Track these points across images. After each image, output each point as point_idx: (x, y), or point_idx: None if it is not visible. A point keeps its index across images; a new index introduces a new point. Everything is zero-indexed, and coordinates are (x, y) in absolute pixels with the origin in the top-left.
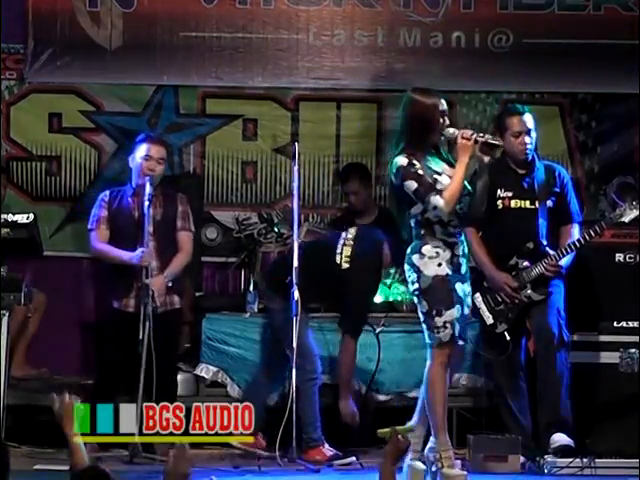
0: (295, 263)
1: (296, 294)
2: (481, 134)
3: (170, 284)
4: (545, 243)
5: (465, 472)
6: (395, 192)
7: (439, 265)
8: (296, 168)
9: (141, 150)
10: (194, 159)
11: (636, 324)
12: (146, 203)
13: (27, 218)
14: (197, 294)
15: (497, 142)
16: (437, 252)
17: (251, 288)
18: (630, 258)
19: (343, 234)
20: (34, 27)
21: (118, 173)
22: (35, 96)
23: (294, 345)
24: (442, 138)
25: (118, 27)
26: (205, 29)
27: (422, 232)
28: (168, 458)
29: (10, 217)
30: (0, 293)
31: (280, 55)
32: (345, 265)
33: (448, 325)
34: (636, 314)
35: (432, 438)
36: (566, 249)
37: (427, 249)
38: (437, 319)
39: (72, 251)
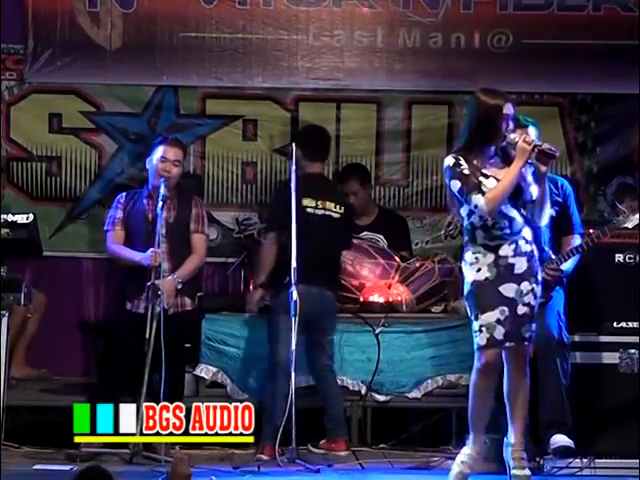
0: (294, 264)
1: (295, 294)
2: (540, 142)
3: (180, 286)
4: (547, 250)
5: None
6: (449, 193)
7: (478, 270)
8: (293, 168)
9: (158, 152)
10: (194, 159)
11: (636, 325)
12: (159, 204)
13: (27, 218)
14: (197, 294)
15: (554, 152)
16: (476, 258)
17: (251, 288)
18: (630, 259)
19: (310, 210)
20: (34, 27)
21: (118, 174)
22: (35, 96)
23: (293, 346)
24: (505, 142)
25: (118, 28)
26: (205, 30)
27: (467, 238)
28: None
29: (10, 217)
30: (0, 293)
31: (280, 56)
32: (340, 211)
33: (484, 329)
34: (636, 315)
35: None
36: (568, 254)
37: (468, 255)
38: (475, 323)
39: (72, 251)
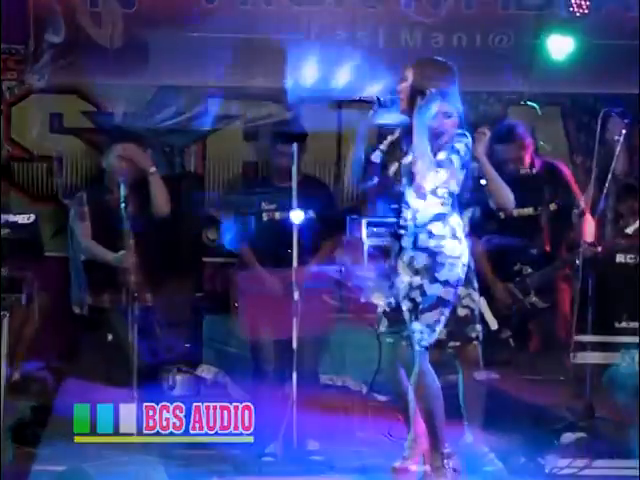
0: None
1: (297, 295)
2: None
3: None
4: (549, 250)
5: None
6: None
7: None
8: (295, 168)
9: None
10: (195, 159)
11: (637, 325)
12: (122, 205)
13: (28, 219)
14: (197, 294)
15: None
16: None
17: None
18: (631, 259)
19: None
20: (35, 27)
21: None
22: (36, 96)
23: (294, 345)
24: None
25: (119, 27)
26: (206, 29)
27: None
28: None
29: (11, 218)
30: (1, 294)
31: (281, 55)
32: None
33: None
34: (637, 315)
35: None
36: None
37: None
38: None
39: None
